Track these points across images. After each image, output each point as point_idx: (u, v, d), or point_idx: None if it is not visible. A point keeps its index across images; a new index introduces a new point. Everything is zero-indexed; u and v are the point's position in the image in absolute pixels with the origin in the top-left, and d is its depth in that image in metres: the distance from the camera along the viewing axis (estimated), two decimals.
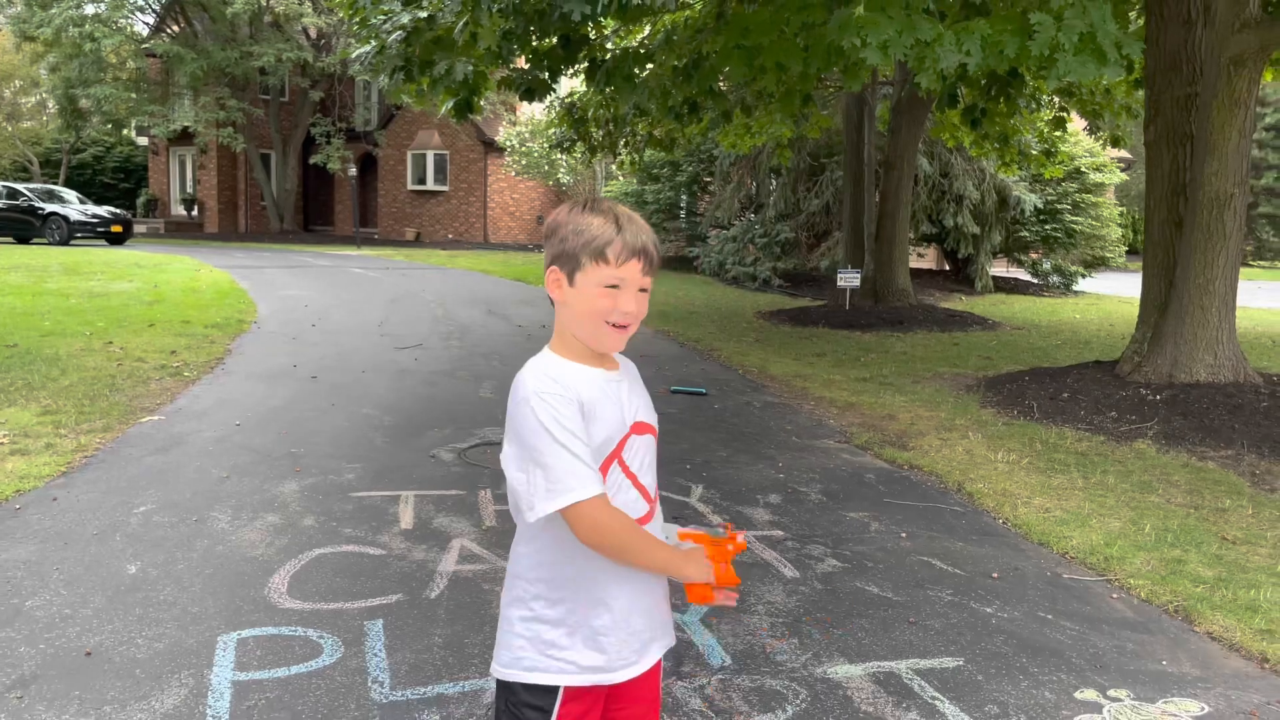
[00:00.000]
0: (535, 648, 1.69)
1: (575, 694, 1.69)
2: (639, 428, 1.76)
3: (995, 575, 4.23)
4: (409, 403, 7.37)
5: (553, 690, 1.68)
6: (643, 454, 1.76)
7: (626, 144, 14.78)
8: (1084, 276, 20.31)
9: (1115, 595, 4.07)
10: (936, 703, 3.08)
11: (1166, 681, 3.29)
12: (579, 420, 1.63)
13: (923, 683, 3.21)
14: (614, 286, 1.67)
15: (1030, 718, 3.01)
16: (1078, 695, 3.16)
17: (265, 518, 4.62)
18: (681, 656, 3.31)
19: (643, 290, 1.70)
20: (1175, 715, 3.06)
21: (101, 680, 3.04)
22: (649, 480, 1.78)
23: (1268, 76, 10.64)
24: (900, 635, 3.58)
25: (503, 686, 1.73)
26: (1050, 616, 3.81)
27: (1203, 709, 3.11)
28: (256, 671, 3.12)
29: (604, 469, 1.69)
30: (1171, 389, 7.45)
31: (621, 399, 1.74)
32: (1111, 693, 3.19)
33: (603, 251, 1.65)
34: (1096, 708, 3.09)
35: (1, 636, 3.31)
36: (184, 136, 31.87)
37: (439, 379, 8.40)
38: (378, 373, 8.56)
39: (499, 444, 6.45)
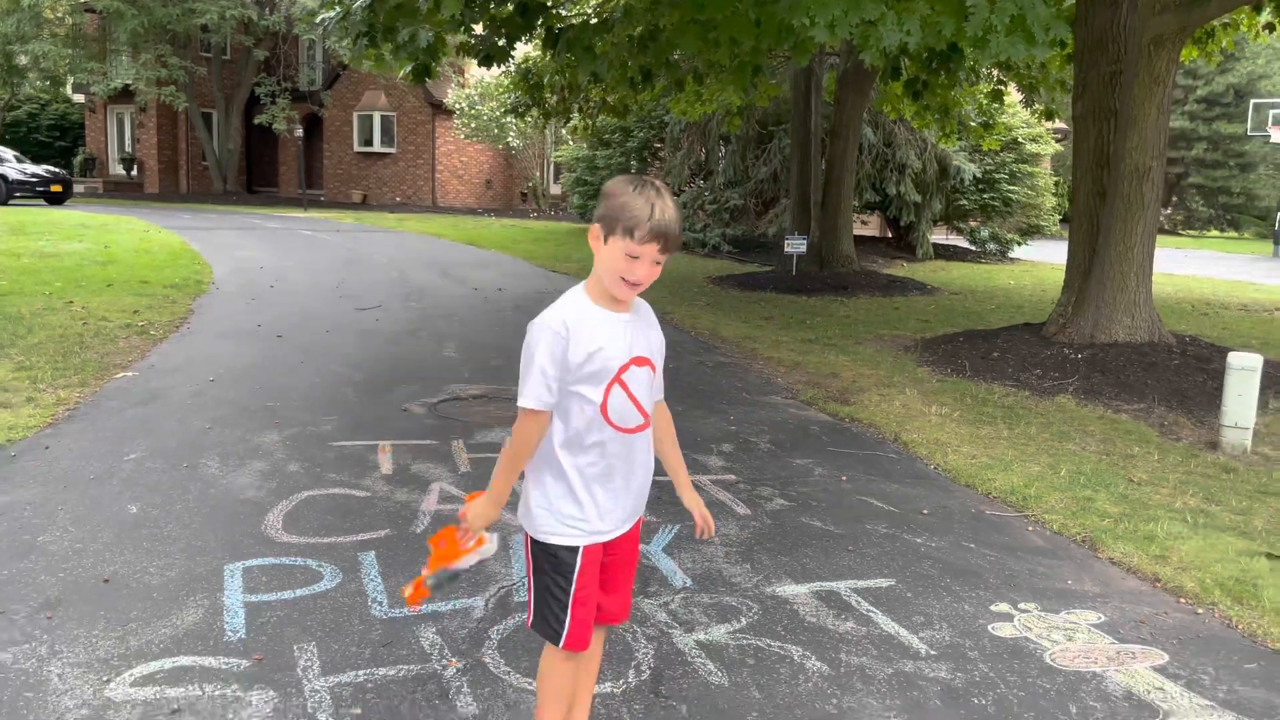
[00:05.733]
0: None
1: None
2: (638, 360, 2.21)
3: (925, 511, 4.70)
4: (376, 360, 7.65)
5: None
6: (641, 381, 2.22)
7: (580, 110, 15.00)
8: (1020, 244, 21.04)
9: (1031, 528, 4.56)
10: (871, 614, 3.52)
11: (1070, 597, 3.78)
12: (560, 353, 2.11)
13: (859, 598, 3.65)
14: (634, 257, 2.10)
15: (951, 625, 3.46)
16: (993, 608, 3.63)
17: (252, 464, 4.91)
18: (648, 579, 3.71)
19: (657, 263, 2.13)
20: (1076, 623, 3.54)
21: (123, 602, 3.35)
22: (645, 401, 2.25)
23: (1192, 53, 11.23)
24: (840, 561, 4.02)
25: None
26: (973, 545, 4.28)
27: (1100, 618, 3.59)
28: (265, 594, 3.46)
29: (608, 389, 2.16)
30: (1092, 348, 8.01)
31: (627, 335, 2.19)
32: (1022, 605, 3.66)
33: (632, 230, 2.07)
34: (1008, 617, 3.55)
35: (21, 566, 3.59)
36: (122, 94, 31.16)
37: (402, 338, 8.67)
38: (341, 332, 8.80)
39: (467, 399, 6.77)
